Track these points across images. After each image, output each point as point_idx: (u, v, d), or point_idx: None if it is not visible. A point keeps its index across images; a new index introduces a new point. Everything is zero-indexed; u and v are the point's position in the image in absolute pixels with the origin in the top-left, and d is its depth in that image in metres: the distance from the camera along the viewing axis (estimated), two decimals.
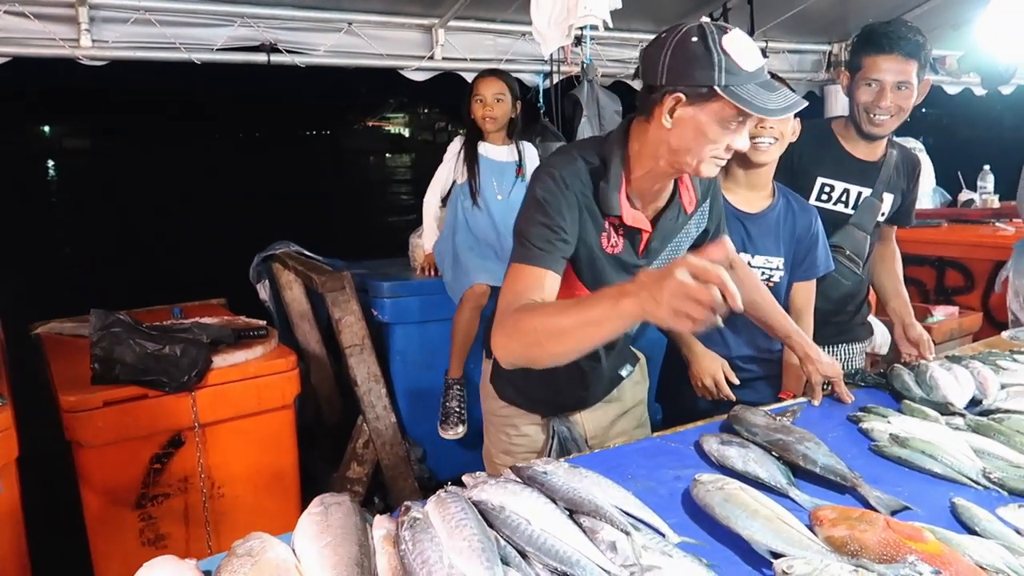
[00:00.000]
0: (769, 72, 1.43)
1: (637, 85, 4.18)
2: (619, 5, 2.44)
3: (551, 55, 3.16)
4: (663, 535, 1.18)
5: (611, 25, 2.44)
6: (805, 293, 2.11)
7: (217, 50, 3.07)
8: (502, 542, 1.12)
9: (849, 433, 1.62)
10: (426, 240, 3.21)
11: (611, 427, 1.87)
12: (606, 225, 1.50)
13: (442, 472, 3.07)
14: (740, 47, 1.34)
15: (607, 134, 1.54)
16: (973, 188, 5.22)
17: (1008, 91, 5.18)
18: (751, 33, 3.73)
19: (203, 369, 2.30)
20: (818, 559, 1.06)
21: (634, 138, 1.48)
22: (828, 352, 2.29)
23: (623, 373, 1.90)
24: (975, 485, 1.37)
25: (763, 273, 2.06)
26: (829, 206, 2.23)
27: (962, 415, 1.65)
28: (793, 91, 1.49)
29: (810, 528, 1.17)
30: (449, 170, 3.15)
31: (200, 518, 2.39)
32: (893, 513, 1.25)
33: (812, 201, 2.20)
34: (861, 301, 2.39)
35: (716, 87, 1.32)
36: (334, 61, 3.32)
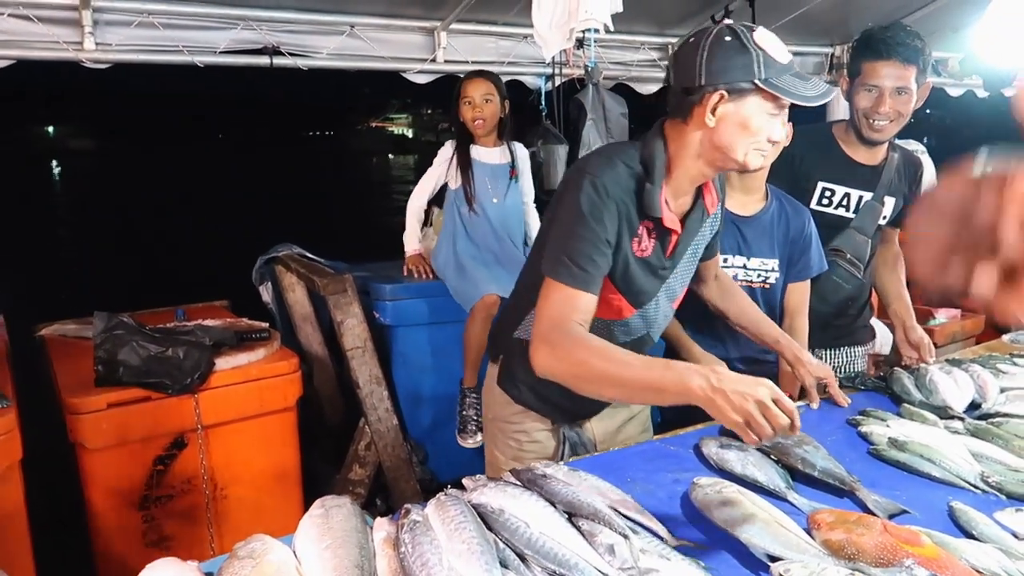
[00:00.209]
0: None
1: (642, 89, 4.20)
2: (620, 8, 2.44)
3: (553, 58, 3.16)
4: (661, 538, 1.19)
5: (612, 28, 2.44)
6: (799, 294, 2.12)
7: (220, 53, 3.08)
8: (501, 545, 1.13)
9: (848, 437, 1.63)
10: (408, 242, 3.18)
11: (618, 432, 1.88)
12: (640, 229, 1.52)
13: (443, 474, 3.07)
14: (772, 42, 1.41)
15: (642, 137, 1.54)
16: None
17: (1011, 93, 5.17)
18: None
19: (206, 371, 2.31)
20: (815, 563, 1.07)
21: (670, 140, 1.51)
22: (829, 355, 2.31)
23: None
24: (973, 489, 1.37)
25: (759, 275, 2.07)
26: (830, 210, 2.23)
27: (961, 419, 1.66)
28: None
29: (808, 532, 1.18)
30: (439, 174, 3.12)
31: (203, 519, 2.40)
32: (891, 517, 1.26)
33: (813, 205, 2.21)
34: (863, 304, 2.39)
35: (757, 81, 1.38)
36: (336, 64, 3.32)
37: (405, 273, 3.14)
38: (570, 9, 2.41)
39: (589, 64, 3.60)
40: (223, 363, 2.41)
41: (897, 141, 2.28)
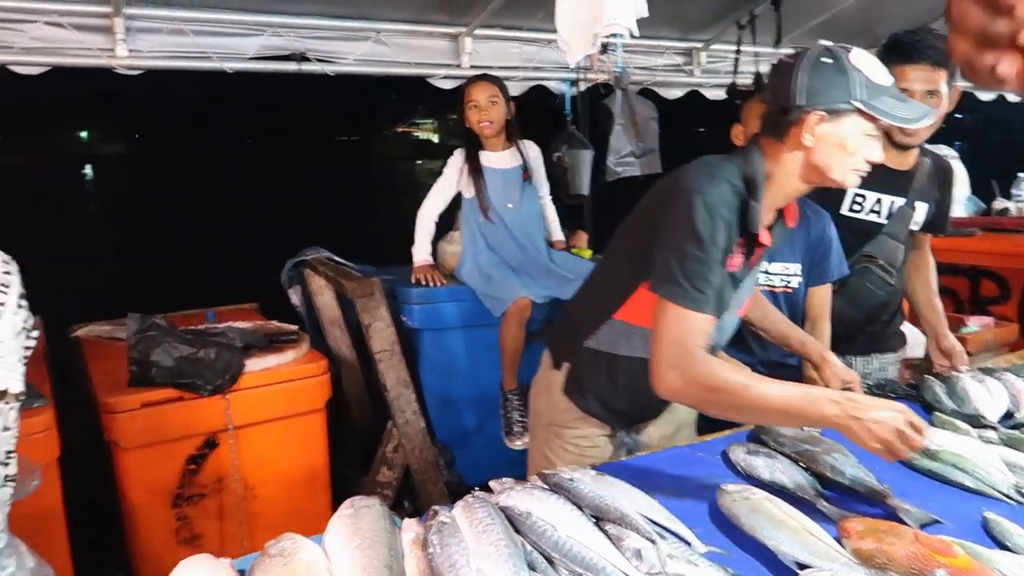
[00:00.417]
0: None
1: (667, 94, 4.18)
2: (645, 13, 2.44)
3: (577, 63, 3.16)
4: (689, 544, 1.19)
5: (637, 33, 2.44)
6: (821, 298, 2.11)
7: (248, 59, 3.13)
8: (528, 547, 1.14)
9: None
10: (416, 253, 3.11)
11: (674, 436, 1.89)
12: (734, 245, 1.53)
13: (470, 477, 3.08)
14: (870, 63, 1.43)
15: (741, 154, 1.53)
16: (1008, 196, 5.12)
17: None
18: (778, 40, 3.71)
19: (236, 373, 2.35)
20: (845, 571, 1.07)
21: (767, 158, 1.52)
22: (860, 362, 2.29)
23: None
24: (1007, 500, 1.35)
25: (781, 280, 2.07)
26: (862, 216, 2.21)
27: (994, 428, 1.64)
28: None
29: (838, 540, 1.17)
30: (451, 185, 3.09)
31: (234, 518, 2.43)
32: (923, 526, 1.25)
33: (844, 211, 2.19)
34: (894, 311, 2.36)
35: (856, 102, 1.40)
36: (362, 70, 3.34)
37: (413, 281, 3.07)
38: (594, 14, 2.41)
39: (617, 69, 3.60)
40: (253, 364, 2.44)
41: (928, 146, 2.26)
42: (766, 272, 2.05)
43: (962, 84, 2.44)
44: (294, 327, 2.83)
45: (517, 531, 1.16)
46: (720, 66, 4.21)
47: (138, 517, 2.33)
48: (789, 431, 1.56)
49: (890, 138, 2.12)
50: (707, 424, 1.81)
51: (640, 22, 2.44)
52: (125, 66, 2.88)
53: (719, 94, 4.29)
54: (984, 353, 3.35)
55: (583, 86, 3.77)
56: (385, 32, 3.33)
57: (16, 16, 2.66)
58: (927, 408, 1.79)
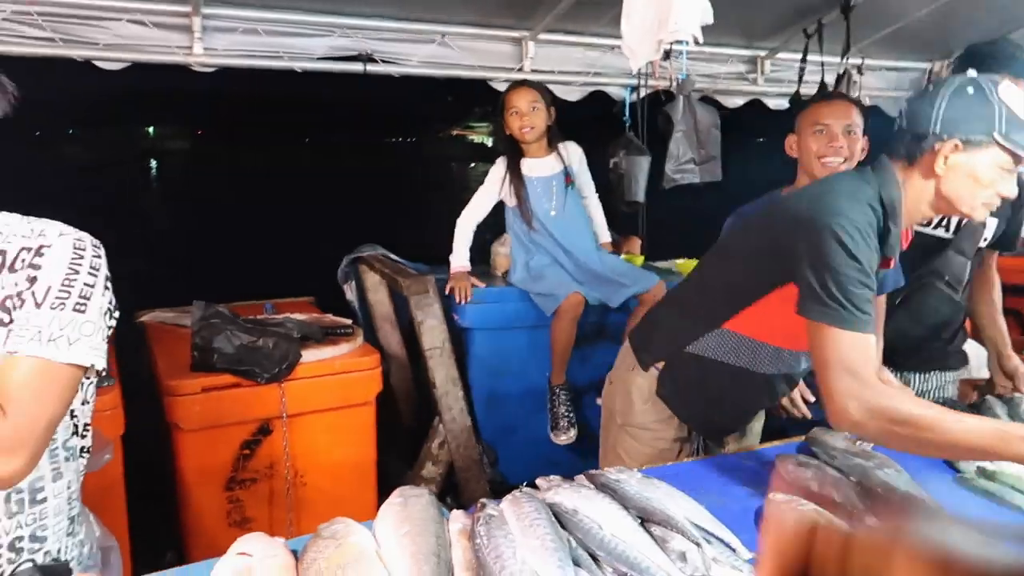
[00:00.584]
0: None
1: (729, 102, 4.13)
2: (711, 20, 2.42)
3: (639, 69, 3.15)
4: (734, 550, 1.19)
5: (701, 40, 2.43)
6: (877, 310, 2.07)
7: (317, 59, 3.21)
8: (573, 544, 1.15)
9: (933, 463, 1.58)
10: (454, 260, 3.08)
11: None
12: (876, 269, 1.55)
13: (513, 477, 3.10)
14: (1017, 97, 1.41)
15: (875, 175, 1.52)
16: None
17: None
18: (847, 50, 3.63)
19: (293, 362, 2.42)
20: None
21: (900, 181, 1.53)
22: (918, 380, 2.24)
23: None
24: None
25: None
26: (929, 230, 2.16)
27: None
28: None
29: None
30: (492, 193, 3.08)
31: (283, 503, 2.50)
32: None
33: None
34: (957, 328, 2.30)
35: (998, 135, 1.39)
36: (427, 71, 3.40)
37: (447, 291, 3.03)
38: (660, 20, 2.41)
39: (680, 76, 3.58)
40: (309, 356, 2.51)
41: None
42: None
43: None
44: (348, 321, 2.90)
45: (563, 527, 1.18)
46: (784, 75, 4.15)
47: (192, 498, 2.42)
48: (840, 444, 1.54)
49: None
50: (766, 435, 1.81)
51: (704, 29, 2.42)
52: (201, 63, 2.99)
53: (781, 103, 4.23)
54: None
55: (643, 92, 3.76)
56: (450, 35, 3.38)
57: (101, 14, 2.80)
58: None
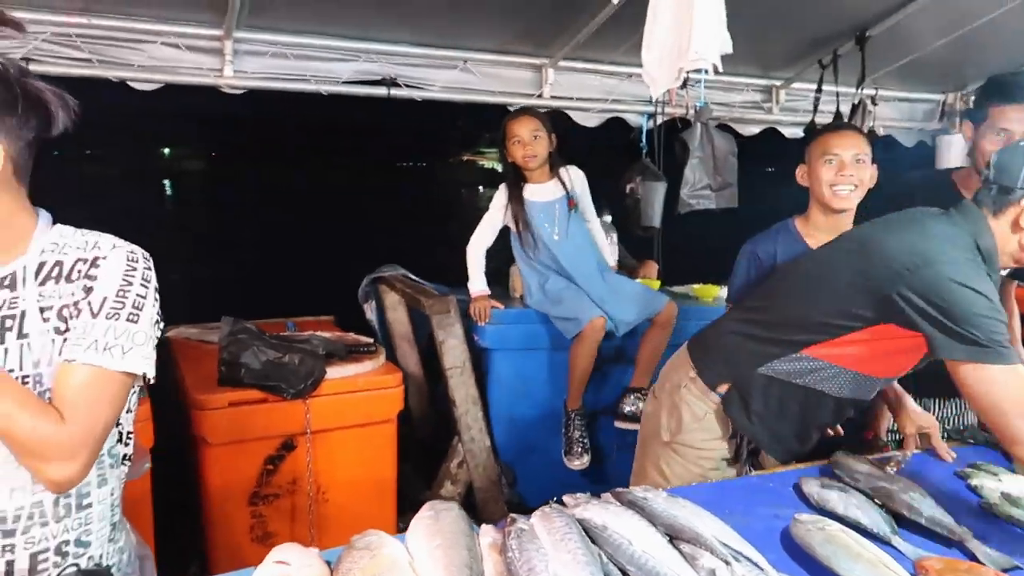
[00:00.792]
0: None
1: (744, 130, 4.18)
2: (730, 50, 2.47)
3: (657, 97, 3.20)
4: (762, 569, 1.20)
5: (721, 69, 2.47)
6: None
7: (343, 83, 3.29)
8: (604, 559, 1.17)
9: (956, 489, 1.60)
10: (472, 285, 3.11)
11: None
12: None
13: (530, 499, 3.12)
14: None
15: (968, 224, 1.59)
16: None
17: None
18: (861, 80, 3.68)
19: (318, 379, 2.45)
20: None
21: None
22: (938, 406, 2.25)
23: None
24: None
25: None
26: None
27: None
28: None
29: None
30: (497, 219, 3.12)
31: (305, 519, 2.52)
32: (1004, 572, 1.23)
33: None
34: None
35: None
36: (448, 96, 3.47)
37: (471, 314, 3.08)
38: (680, 48, 2.45)
39: (698, 104, 3.63)
40: (333, 372, 2.54)
41: None
42: None
43: None
44: (371, 340, 2.94)
45: (593, 542, 1.20)
46: (799, 104, 4.20)
47: (217, 512, 2.45)
48: (864, 468, 1.55)
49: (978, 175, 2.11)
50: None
51: (722, 58, 2.48)
52: (231, 85, 3.07)
53: (796, 132, 4.28)
54: None
55: (660, 119, 3.81)
56: (472, 61, 3.45)
57: (137, 36, 2.88)
58: (1008, 456, 1.75)
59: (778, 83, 4.14)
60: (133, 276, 1.16)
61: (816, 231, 2.09)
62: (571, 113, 3.76)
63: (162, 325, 1.24)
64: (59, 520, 1.16)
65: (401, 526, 1.25)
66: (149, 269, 1.20)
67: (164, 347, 3.00)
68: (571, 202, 3.12)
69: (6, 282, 1.13)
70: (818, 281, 1.70)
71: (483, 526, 1.29)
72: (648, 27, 2.22)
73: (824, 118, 3.95)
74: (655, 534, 1.22)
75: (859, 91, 3.81)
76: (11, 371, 1.09)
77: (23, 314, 1.11)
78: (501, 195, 3.14)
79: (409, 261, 3.55)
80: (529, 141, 3.02)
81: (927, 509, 1.39)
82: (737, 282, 2.18)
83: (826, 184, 2.04)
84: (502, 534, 1.22)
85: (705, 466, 1.85)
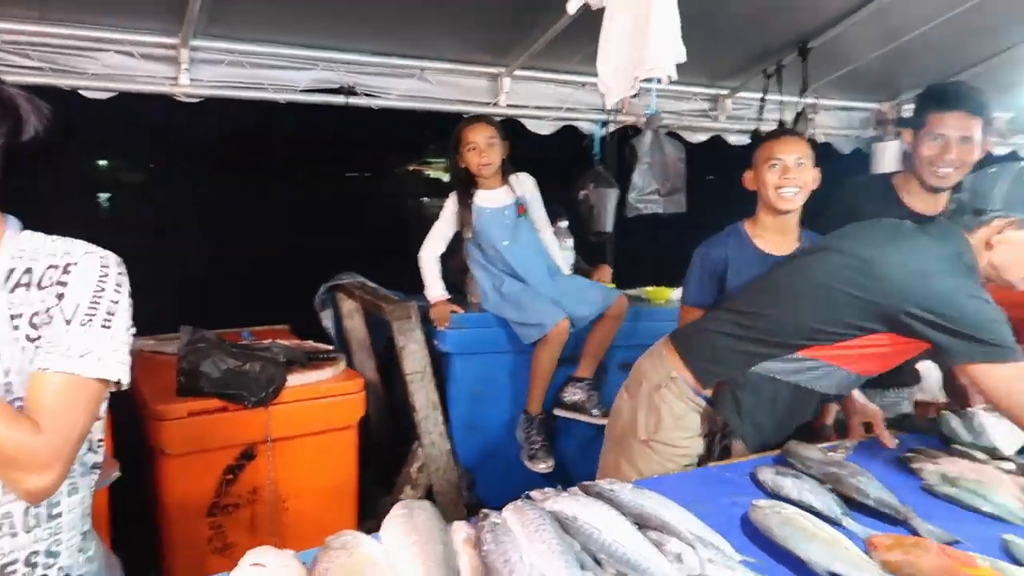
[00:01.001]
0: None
1: (692, 138, 4.31)
2: (684, 59, 2.56)
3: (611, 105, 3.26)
4: (725, 553, 1.26)
5: (675, 78, 2.56)
6: None
7: (300, 91, 3.28)
8: (577, 547, 1.22)
9: (899, 472, 1.69)
10: (430, 291, 3.12)
11: None
12: None
13: (492, 502, 3.13)
14: None
15: (952, 242, 1.71)
16: None
17: None
18: (804, 90, 3.84)
19: (279, 386, 2.44)
20: None
21: None
22: (877, 395, 2.36)
23: None
24: None
25: None
26: None
27: (1011, 461, 1.71)
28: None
29: (866, 553, 1.25)
30: (448, 226, 3.15)
31: (266, 528, 2.50)
32: (946, 544, 1.32)
33: None
34: None
35: None
36: (406, 104, 3.48)
37: (432, 318, 3.08)
38: (634, 58, 2.53)
39: (650, 111, 3.72)
40: (294, 380, 2.53)
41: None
42: None
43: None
44: (331, 347, 2.93)
45: (565, 533, 1.24)
46: (744, 113, 4.35)
47: (175, 524, 2.41)
48: (815, 455, 1.64)
49: (923, 181, 2.23)
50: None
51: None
52: (186, 94, 3.03)
53: (742, 139, 4.42)
54: None
55: (612, 127, 3.90)
56: (429, 70, 3.47)
57: (91, 44, 2.82)
58: (944, 441, 1.87)
59: (725, 92, 4.27)
60: (106, 281, 1.16)
61: (764, 232, 2.19)
62: (525, 121, 3.82)
63: (133, 331, 1.23)
64: (29, 531, 1.15)
65: (363, 532, 1.26)
66: (122, 274, 1.19)
67: None
68: (520, 208, 3.16)
69: None
70: (811, 293, 1.78)
71: (455, 523, 1.31)
72: (603, 36, 2.28)
73: (768, 126, 4.10)
74: (624, 523, 1.26)
75: (801, 100, 3.97)
76: None
77: None
78: (452, 202, 3.16)
79: (361, 269, 3.54)
80: (485, 148, 3.06)
81: (874, 491, 1.47)
82: (691, 284, 2.26)
83: (772, 187, 2.14)
84: (475, 529, 1.25)
85: (680, 463, 1.91)
